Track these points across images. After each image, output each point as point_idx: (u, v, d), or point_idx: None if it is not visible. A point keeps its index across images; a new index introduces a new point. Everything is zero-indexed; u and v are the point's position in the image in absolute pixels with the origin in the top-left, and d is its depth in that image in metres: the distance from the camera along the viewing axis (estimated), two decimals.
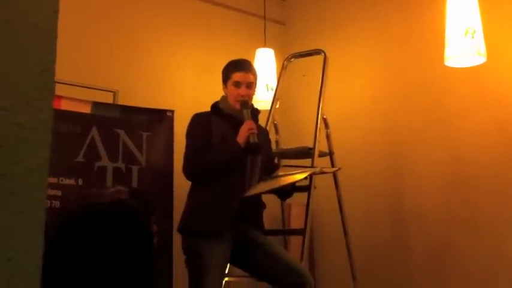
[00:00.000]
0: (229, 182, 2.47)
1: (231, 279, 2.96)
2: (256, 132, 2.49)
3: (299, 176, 2.56)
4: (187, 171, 2.53)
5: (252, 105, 2.68)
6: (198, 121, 2.58)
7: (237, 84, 2.58)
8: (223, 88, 2.66)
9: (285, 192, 2.67)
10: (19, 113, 0.64)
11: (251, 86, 2.60)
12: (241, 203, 2.46)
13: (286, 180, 2.56)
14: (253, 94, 2.66)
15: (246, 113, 2.54)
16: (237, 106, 2.57)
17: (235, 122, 2.52)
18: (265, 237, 2.61)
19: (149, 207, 1.37)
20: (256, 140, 2.47)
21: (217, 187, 2.46)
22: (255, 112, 2.67)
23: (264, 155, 2.61)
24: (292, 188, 2.64)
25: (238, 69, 2.60)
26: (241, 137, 2.45)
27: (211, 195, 2.47)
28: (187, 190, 2.61)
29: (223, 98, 2.66)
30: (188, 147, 2.55)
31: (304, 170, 2.62)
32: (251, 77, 2.61)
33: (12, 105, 0.64)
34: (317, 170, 2.65)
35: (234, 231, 2.48)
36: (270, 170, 2.65)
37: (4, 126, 0.63)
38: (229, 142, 2.48)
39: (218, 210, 2.45)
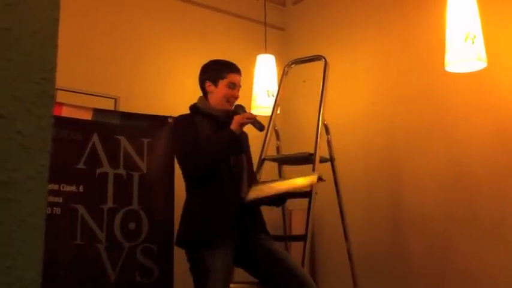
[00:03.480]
0: (221, 189, 2.44)
1: (236, 285, 2.95)
2: (255, 118, 2.47)
3: (301, 181, 2.50)
4: (190, 169, 2.47)
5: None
6: (184, 122, 2.55)
7: (233, 86, 2.59)
8: (208, 86, 2.61)
9: (279, 197, 2.58)
10: (19, 121, 0.65)
11: (239, 88, 2.65)
12: (239, 206, 2.45)
13: (288, 184, 2.53)
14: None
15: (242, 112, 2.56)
16: (226, 106, 2.57)
17: (219, 123, 2.52)
18: (272, 241, 2.56)
19: None
20: (258, 123, 2.47)
21: (210, 196, 2.44)
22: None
23: (247, 158, 2.61)
24: (285, 192, 2.56)
25: (234, 71, 2.61)
26: (235, 123, 2.43)
27: (206, 205, 2.45)
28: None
29: (202, 100, 2.63)
30: (181, 147, 2.50)
31: (304, 177, 2.51)
32: (240, 79, 2.65)
33: (12, 113, 0.64)
34: (315, 177, 2.46)
35: (235, 236, 2.47)
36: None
37: (4, 134, 0.63)
38: (223, 131, 2.45)
39: (215, 220, 2.44)
